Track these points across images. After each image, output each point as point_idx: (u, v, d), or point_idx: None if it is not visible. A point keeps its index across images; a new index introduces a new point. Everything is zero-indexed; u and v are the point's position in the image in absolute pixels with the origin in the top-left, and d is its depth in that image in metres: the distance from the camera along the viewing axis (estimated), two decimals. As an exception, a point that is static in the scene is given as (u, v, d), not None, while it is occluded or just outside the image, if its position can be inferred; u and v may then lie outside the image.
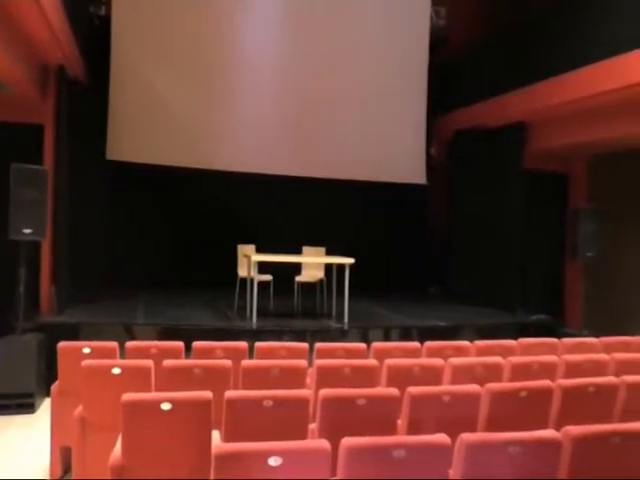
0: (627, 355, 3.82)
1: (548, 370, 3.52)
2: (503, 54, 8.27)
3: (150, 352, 3.48)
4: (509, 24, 8.54)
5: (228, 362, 3.19)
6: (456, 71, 9.33)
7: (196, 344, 3.63)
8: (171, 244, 8.49)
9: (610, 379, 3.14)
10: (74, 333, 5.36)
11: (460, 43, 9.41)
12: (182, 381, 3.00)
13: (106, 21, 7.76)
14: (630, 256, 7.80)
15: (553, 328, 6.99)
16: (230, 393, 2.59)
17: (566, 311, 8.56)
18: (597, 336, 4.59)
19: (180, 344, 3.63)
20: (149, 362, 3.04)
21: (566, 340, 4.42)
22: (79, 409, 3.00)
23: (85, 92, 6.95)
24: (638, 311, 7.62)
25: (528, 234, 8.01)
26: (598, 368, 3.61)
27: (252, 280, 6.42)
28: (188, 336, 3.87)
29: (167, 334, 5.35)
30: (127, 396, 2.40)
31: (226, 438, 2.54)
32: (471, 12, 9.73)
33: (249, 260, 6.58)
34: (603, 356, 3.78)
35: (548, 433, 2.22)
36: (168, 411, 2.39)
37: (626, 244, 7.84)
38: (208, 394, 2.47)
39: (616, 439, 2.20)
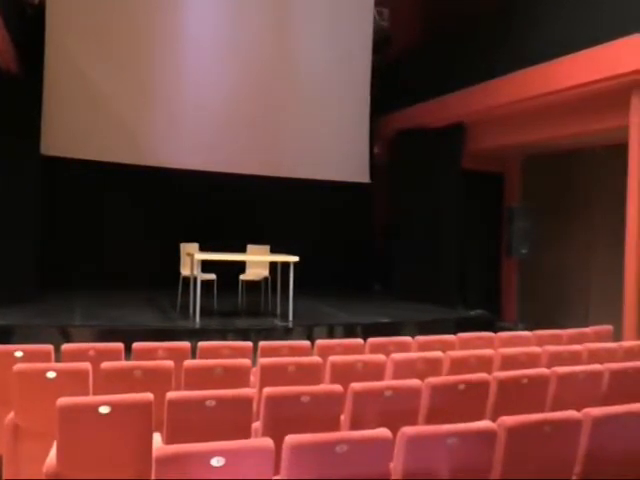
0: (558, 347, 4.00)
1: (485, 363, 3.65)
2: (443, 56, 8.50)
3: (88, 354, 3.36)
4: (449, 27, 8.79)
5: (170, 363, 3.13)
6: (399, 71, 9.52)
7: (136, 345, 3.54)
8: (110, 242, 8.23)
9: (542, 371, 3.28)
10: (6, 336, 5.12)
11: (403, 44, 9.59)
12: (122, 383, 2.92)
13: (40, 10, 7.43)
14: (560, 252, 8.19)
15: (490, 322, 7.25)
16: (172, 394, 2.54)
17: (502, 306, 8.90)
18: (531, 329, 4.80)
19: (120, 345, 3.52)
20: (86, 365, 2.94)
21: (502, 334, 4.59)
22: (11, 415, 2.87)
23: (18, 84, 6.64)
24: (569, 305, 8.02)
25: (466, 232, 8.28)
26: (531, 360, 3.76)
27: (195, 279, 6.33)
28: (128, 337, 3.77)
29: (106, 336, 5.18)
30: (62, 400, 2.32)
31: (168, 440, 2.49)
32: (413, 14, 9.94)
33: (192, 259, 6.48)
34: (536, 349, 3.95)
35: (484, 424, 2.30)
36: (106, 415, 2.33)
37: (557, 241, 8.23)
38: (149, 396, 2.41)
39: (547, 428, 2.31)
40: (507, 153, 8.70)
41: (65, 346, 3.49)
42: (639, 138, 5.69)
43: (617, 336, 5.21)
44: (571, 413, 2.41)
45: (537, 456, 2.32)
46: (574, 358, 3.85)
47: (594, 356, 3.87)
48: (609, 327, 5.03)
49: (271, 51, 8.60)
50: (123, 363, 3.30)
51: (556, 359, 3.77)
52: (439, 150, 8.46)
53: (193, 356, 3.63)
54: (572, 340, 4.52)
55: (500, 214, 8.80)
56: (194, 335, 5.29)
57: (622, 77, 5.63)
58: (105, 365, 3.00)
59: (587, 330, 4.86)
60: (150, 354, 3.50)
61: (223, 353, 3.63)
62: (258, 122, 8.51)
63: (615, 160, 6.52)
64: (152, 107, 8.00)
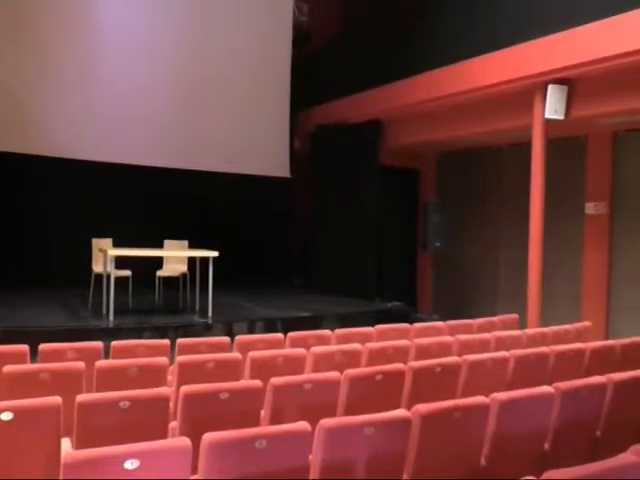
0: (468, 336, 4.20)
1: (401, 353, 3.77)
2: (360, 52, 8.65)
3: (-13, 358, 3.14)
4: (367, 23, 8.94)
5: (81, 364, 2.99)
6: (319, 67, 9.58)
7: (43, 346, 3.35)
8: (15, 238, 7.70)
9: (454, 359, 3.43)
10: None
11: (323, 40, 9.66)
12: (27, 388, 2.75)
13: None
14: (472, 247, 8.60)
15: (407, 314, 7.50)
16: (82, 397, 2.43)
17: (418, 297, 9.22)
18: (444, 320, 5.00)
19: (24, 347, 3.32)
20: (-14, 370, 2.75)
21: (417, 325, 4.75)
22: None
23: None
24: (479, 296, 8.44)
25: (385, 226, 8.49)
26: (444, 349, 3.93)
27: (109, 276, 6.07)
28: (36, 339, 3.56)
29: (10, 338, 4.85)
30: (-42, 409, 2.15)
31: (78, 445, 2.38)
32: (332, 9, 10.03)
33: (105, 255, 6.21)
34: (448, 338, 4.12)
35: (399, 413, 2.38)
36: (9, 422, 2.18)
37: (469, 236, 8.62)
38: (56, 400, 2.29)
39: (458, 413, 2.42)
40: (423, 150, 9.00)
41: (-39, 350, 3.25)
42: (541, 137, 6.06)
43: (522, 324, 5.55)
44: (479, 398, 2.53)
45: (449, 440, 2.43)
46: (483, 346, 4.06)
47: (501, 343, 4.10)
48: (515, 316, 5.35)
49: (191, 44, 8.39)
50: (28, 366, 3.11)
51: (467, 347, 3.95)
52: (357, 146, 8.61)
53: (106, 356, 3.49)
54: (481, 329, 4.76)
55: (417, 209, 9.09)
56: (108, 334, 5.09)
57: (526, 79, 5.98)
58: (7, 369, 2.81)
59: (495, 319, 5.14)
60: (59, 355, 3.32)
61: (138, 352, 3.51)
62: (176, 115, 8.28)
63: (521, 159, 6.92)
64: (54, 92, 7.54)
